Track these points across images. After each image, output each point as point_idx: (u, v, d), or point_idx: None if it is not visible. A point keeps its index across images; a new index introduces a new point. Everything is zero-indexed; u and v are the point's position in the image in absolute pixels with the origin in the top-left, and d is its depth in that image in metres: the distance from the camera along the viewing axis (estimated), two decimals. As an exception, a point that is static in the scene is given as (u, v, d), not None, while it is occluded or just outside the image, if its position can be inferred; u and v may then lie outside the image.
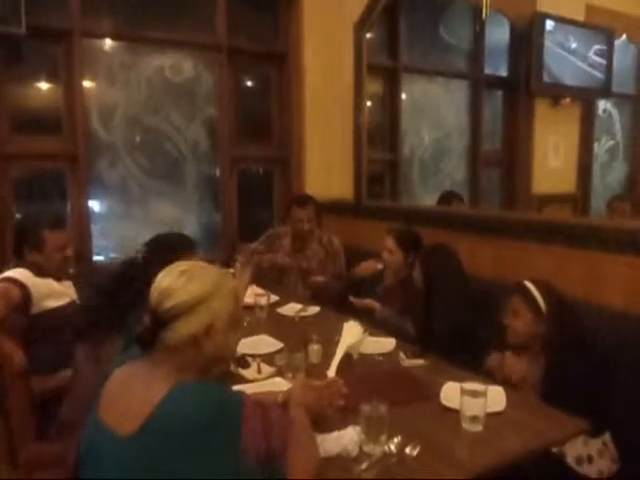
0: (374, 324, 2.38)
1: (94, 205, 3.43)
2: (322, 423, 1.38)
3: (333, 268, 3.14)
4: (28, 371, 1.49)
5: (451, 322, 2.16)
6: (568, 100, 4.57)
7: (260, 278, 2.98)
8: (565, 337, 1.78)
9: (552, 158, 4.60)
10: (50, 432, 1.59)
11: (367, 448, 1.30)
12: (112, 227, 3.56)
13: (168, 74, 3.56)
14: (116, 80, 3.43)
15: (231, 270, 3.22)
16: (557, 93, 4.53)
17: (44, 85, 3.29)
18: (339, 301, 2.78)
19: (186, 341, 1.06)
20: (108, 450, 1.03)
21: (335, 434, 1.33)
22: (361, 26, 3.43)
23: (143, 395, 1.03)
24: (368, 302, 2.56)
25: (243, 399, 1.10)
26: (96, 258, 3.41)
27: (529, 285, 1.85)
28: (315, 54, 3.71)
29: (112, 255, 3.55)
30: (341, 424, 1.37)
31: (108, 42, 3.39)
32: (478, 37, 4.42)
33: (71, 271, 2.47)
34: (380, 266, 2.69)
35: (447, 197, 3.81)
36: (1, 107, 3.07)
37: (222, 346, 1.13)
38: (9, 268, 2.01)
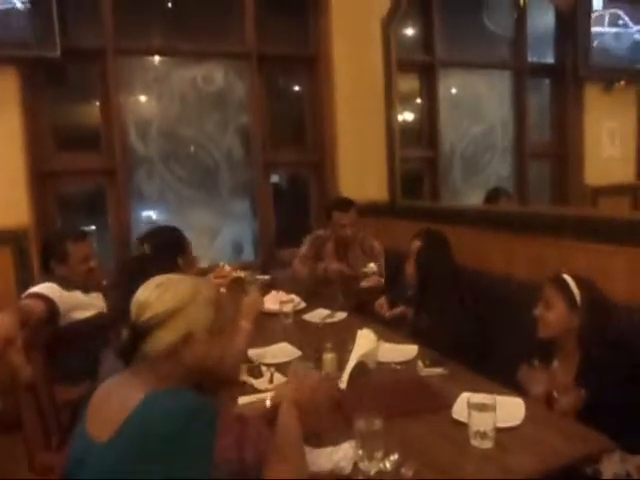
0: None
1: (134, 217, 3.54)
2: (320, 432, 1.34)
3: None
4: (34, 384, 1.55)
5: (454, 322, 2.09)
6: (623, 83, 4.25)
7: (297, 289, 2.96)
8: (602, 335, 1.65)
9: (607, 146, 4.29)
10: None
11: (362, 465, 1.24)
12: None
13: (200, 85, 3.62)
14: (151, 94, 3.54)
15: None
16: (610, 76, 4.23)
17: (83, 103, 3.44)
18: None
19: (165, 352, 1.08)
20: (88, 459, 1.05)
21: (329, 449, 1.28)
22: (389, 22, 3.35)
23: (120, 404, 1.05)
24: (399, 310, 2.52)
25: (218, 411, 1.07)
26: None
27: (565, 276, 1.74)
28: (345, 54, 3.65)
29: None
30: (342, 437, 1.32)
31: (142, 57, 3.49)
32: (519, 24, 4.21)
33: (105, 283, 2.55)
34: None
35: (493, 195, 3.62)
36: (45, 126, 3.23)
37: (204, 357, 1.13)
38: (37, 283, 2.09)
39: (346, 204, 3.04)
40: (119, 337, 1.11)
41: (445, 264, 2.30)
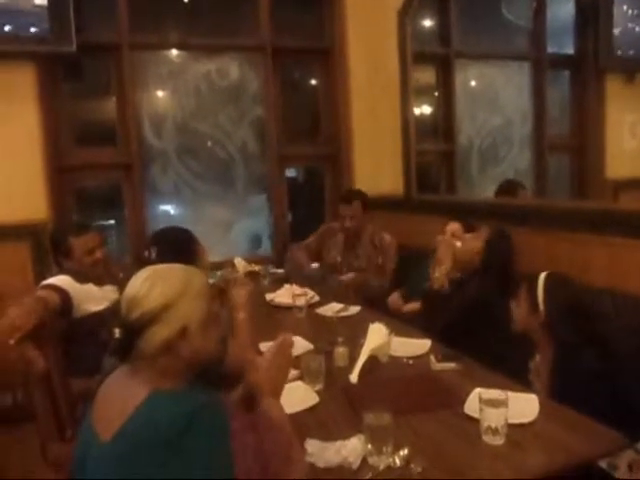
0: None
1: (150, 211, 3.56)
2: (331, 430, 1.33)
3: (377, 262, 3.04)
4: (50, 375, 1.57)
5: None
6: (645, 74, 4.15)
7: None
8: (571, 334, 1.68)
9: (628, 139, 4.19)
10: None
11: (371, 460, 1.23)
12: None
13: (215, 79, 3.62)
14: (166, 88, 3.55)
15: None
16: (632, 68, 4.12)
17: (99, 98, 3.48)
18: (380, 297, 2.72)
19: (161, 347, 1.04)
20: (92, 454, 1.05)
21: (338, 443, 1.27)
22: (404, 13, 3.30)
23: (121, 402, 1.03)
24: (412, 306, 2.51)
25: (231, 412, 1.05)
26: (153, 261, 3.54)
27: (540, 276, 1.78)
28: (360, 46, 3.63)
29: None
30: (351, 432, 1.31)
31: (156, 52, 3.51)
32: (538, 13, 4.12)
33: (121, 275, 2.57)
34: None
35: (507, 187, 3.55)
36: (62, 121, 3.27)
37: (201, 348, 1.09)
38: (52, 276, 2.12)
39: (349, 196, 3.04)
40: (111, 335, 1.07)
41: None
